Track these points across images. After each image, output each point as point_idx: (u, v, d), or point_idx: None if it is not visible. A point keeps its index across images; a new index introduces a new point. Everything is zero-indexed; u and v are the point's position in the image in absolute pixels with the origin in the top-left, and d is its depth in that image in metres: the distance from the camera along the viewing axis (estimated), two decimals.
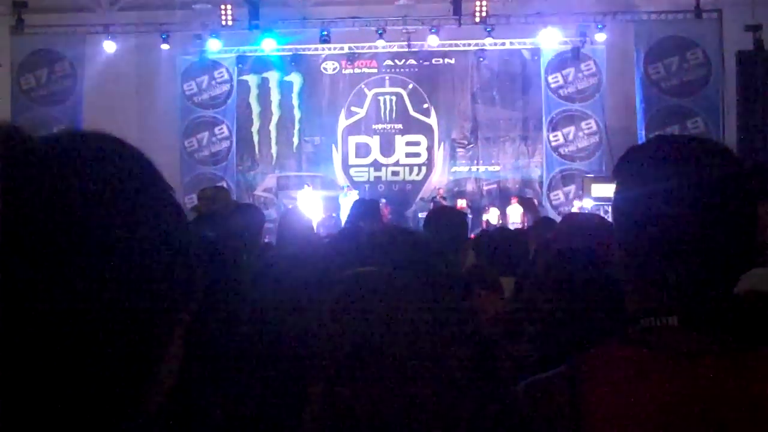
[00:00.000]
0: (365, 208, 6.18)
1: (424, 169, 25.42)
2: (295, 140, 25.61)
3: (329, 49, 24.12)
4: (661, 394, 1.60)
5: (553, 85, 23.68)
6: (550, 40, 22.38)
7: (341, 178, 25.19)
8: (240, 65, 24.81)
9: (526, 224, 20.15)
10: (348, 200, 20.99)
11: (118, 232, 0.88)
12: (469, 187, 25.05)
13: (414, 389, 1.12)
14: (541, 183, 24.31)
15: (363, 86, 25.47)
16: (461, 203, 23.06)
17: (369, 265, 1.20)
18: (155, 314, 0.92)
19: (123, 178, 0.93)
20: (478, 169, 25.19)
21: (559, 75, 23.59)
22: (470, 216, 21.08)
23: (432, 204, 22.48)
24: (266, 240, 6.44)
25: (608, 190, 19.65)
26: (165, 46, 22.84)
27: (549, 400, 1.68)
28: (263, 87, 25.37)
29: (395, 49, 24.14)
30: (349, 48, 24.34)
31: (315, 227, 8.39)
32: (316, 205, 21.50)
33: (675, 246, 1.62)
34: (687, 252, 1.62)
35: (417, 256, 1.25)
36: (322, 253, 1.33)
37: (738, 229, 1.65)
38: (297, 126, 25.53)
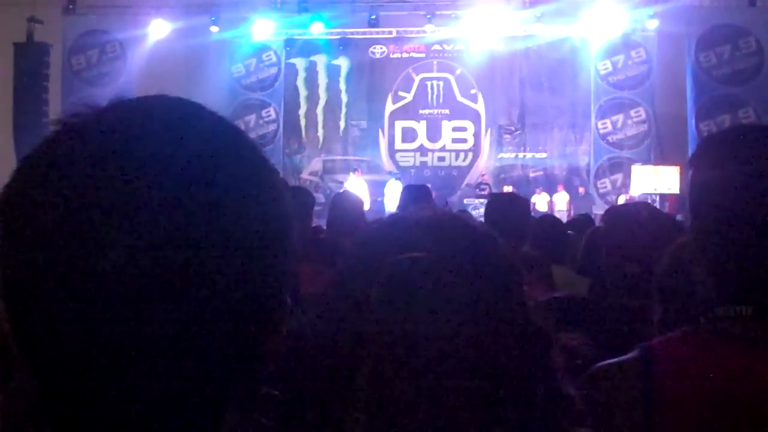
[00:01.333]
0: (416, 194, 6.14)
1: (470, 155, 25.34)
2: (342, 124, 25.66)
3: (377, 33, 24.08)
4: (734, 383, 1.59)
5: (602, 72, 23.44)
6: (601, 26, 22.11)
7: (387, 163, 25.20)
8: (288, 48, 24.85)
9: (572, 212, 20.03)
10: (394, 186, 21.00)
11: (229, 214, 0.84)
12: (516, 173, 24.93)
13: (459, 378, 1.12)
14: (588, 171, 24.09)
15: (410, 71, 25.42)
16: (507, 190, 22.97)
17: (416, 251, 1.19)
18: (270, 297, 0.89)
19: (221, 149, 0.88)
20: (524, 155, 25.05)
21: (608, 62, 23.34)
22: None
23: (478, 189, 22.48)
24: (315, 224, 6.41)
25: (655, 179, 19.48)
26: (214, 29, 22.94)
27: (621, 385, 1.67)
28: (311, 70, 25.42)
29: (444, 35, 24.02)
30: (398, 32, 24.29)
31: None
32: (362, 190, 21.47)
33: (751, 235, 1.61)
34: (760, 240, 1.61)
35: (465, 242, 1.24)
36: (367, 238, 1.32)
37: None
38: (344, 110, 25.56)
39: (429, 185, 20.24)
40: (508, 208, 4.76)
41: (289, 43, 24.65)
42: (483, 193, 22.37)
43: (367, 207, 17.94)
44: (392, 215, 1.40)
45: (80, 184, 0.80)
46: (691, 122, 20.72)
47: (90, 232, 0.79)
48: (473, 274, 1.18)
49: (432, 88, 25.44)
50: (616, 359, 1.74)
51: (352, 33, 24.22)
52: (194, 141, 0.86)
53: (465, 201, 22.94)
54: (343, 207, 5.55)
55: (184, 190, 0.82)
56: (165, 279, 0.80)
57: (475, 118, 25.29)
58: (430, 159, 25.46)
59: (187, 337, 0.81)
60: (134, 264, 0.79)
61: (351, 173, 23.20)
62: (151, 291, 0.79)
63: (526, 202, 5.15)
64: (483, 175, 24.07)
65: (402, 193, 6.45)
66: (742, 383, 1.59)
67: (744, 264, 1.63)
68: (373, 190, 22.20)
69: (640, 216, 3.74)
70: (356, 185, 21.56)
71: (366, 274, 1.20)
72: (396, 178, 22.29)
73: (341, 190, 11.03)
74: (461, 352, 1.13)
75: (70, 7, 22.90)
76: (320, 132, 25.74)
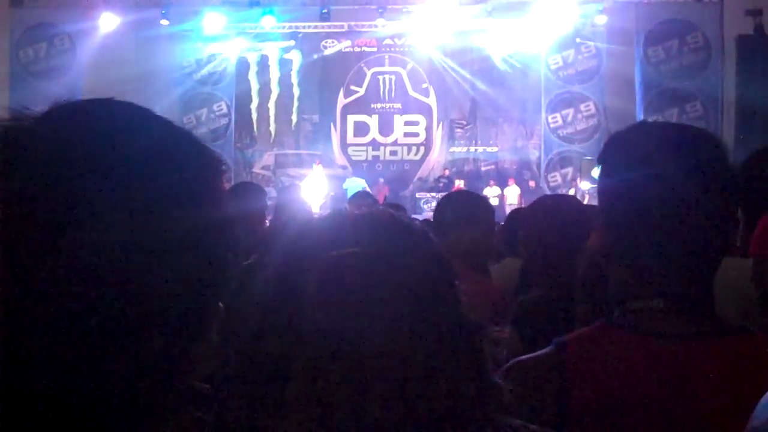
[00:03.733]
0: (359, 200, 6.12)
1: (422, 149, 25.42)
2: (294, 118, 25.59)
3: (329, 27, 24.01)
4: (646, 375, 1.64)
5: (552, 67, 23.59)
6: (550, 21, 22.22)
7: (339, 157, 25.18)
8: (239, 42, 24.67)
9: (523, 206, 20.16)
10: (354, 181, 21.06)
11: (161, 216, 0.85)
12: (467, 167, 25.03)
13: (392, 370, 1.14)
14: (539, 164, 24.26)
15: (362, 65, 25.43)
16: (459, 183, 23.10)
17: (349, 247, 1.21)
18: (198, 301, 0.90)
19: (157, 150, 0.89)
20: (476, 149, 25.17)
21: (558, 56, 23.49)
22: None
23: (440, 184, 22.66)
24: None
25: None
26: (164, 22, 22.73)
27: (536, 380, 1.71)
28: (262, 64, 25.29)
29: (395, 29, 24.01)
30: (349, 26, 24.24)
31: (320, 206, 8.22)
32: (323, 184, 21.34)
33: (658, 230, 1.66)
34: (670, 236, 1.66)
35: (398, 238, 1.26)
36: (300, 234, 1.34)
37: (719, 215, 1.69)
38: (296, 104, 25.49)
39: (382, 179, 20.11)
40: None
41: (241, 36, 24.48)
42: (440, 185, 22.53)
43: (324, 200, 17.69)
44: (329, 211, 1.41)
45: (21, 187, 0.81)
46: (640, 116, 20.93)
47: (27, 235, 0.80)
48: (405, 270, 1.20)
49: (384, 83, 25.47)
50: (532, 354, 1.78)
51: (303, 27, 24.12)
52: (137, 146, 0.87)
53: (417, 195, 22.99)
54: (287, 204, 5.53)
55: (123, 195, 0.83)
56: (107, 279, 0.81)
57: (426, 112, 25.37)
58: (383, 153, 25.49)
59: (119, 329, 0.83)
60: (77, 266, 0.80)
61: (314, 164, 22.99)
62: (91, 292, 0.80)
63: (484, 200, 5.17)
64: (445, 170, 24.21)
65: (350, 199, 6.48)
66: (652, 375, 1.63)
67: (654, 258, 1.68)
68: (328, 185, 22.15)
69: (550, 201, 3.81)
70: (317, 177, 21.47)
71: (299, 269, 1.22)
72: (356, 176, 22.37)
73: (288, 185, 10.96)
74: (394, 346, 1.15)
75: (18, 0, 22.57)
76: (272, 126, 25.64)
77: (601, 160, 1.80)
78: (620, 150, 1.78)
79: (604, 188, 1.80)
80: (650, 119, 20.15)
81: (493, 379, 1.26)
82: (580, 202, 4.42)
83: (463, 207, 4.21)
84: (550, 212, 3.39)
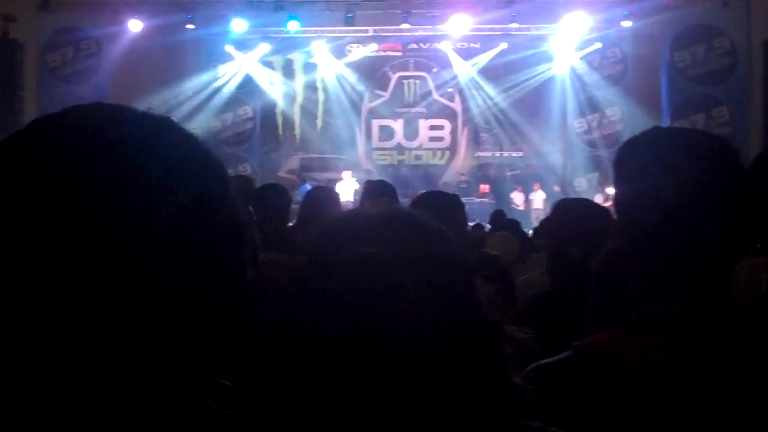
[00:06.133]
0: (377, 190, 6.06)
1: (447, 153, 25.38)
2: (319, 122, 25.59)
3: (354, 31, 24.01)
4: (662, 379, 1.64)
5: (578, 71, 23.48)
6: (576, 25, 22.10)
7: (365, 162, 25.16)
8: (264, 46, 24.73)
9: (548, 211, 20.08)
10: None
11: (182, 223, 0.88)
12: (493, 172, 24.95)
13: (413, 371, 1.14)
14: (564, 169, 24.16)
15: (387, 69, 25.42)
16: (484, 188, 23.07)
17: (368, 247, 1.21)
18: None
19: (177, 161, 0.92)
20: (501, 154, 25.09)
21: (584, 61, 23.36)
22: (494, 201, 21.03)
23: (458, 190, 22.60)
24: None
25: None
26: (190, 26, 22.80)
27: (555, 385, 1.71)
28: (288, 69, 25.32)
29: (420, 33, 23.99)
30: (374, 30, 24.24)
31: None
32: (351, 189, 21.30)
33: (675, 234, 1.67)
34: (686, 240, 1.67)
35: (416, 238, 1.26)
36: (321, 234, 1.34)
37: (734, 219, 1.70)
38: (321, 108, 25.50)
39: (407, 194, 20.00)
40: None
41: (266, 40, 24.51)
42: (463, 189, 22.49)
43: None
44: (347, 211, 1.42)
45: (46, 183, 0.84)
46: (666, 121, 20.81)
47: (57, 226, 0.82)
48: (424, 270, 1.20)
49: (409, 87, 25.46)
50: (551, 359, 1.79)
51: (328, 31, 24.13)
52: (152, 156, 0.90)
53: None
54: (318, 204, 5.49)
55: (144, 200, 0.86)
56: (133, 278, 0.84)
57: (451, 116, 25.33)
58: (407, 157, 25.47)
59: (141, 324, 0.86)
60: (103, 258, 0.83)
61: (343, 172, 22.93)
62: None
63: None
64: (462, 174, 24.15)
65: (363, 189, 6.42)
66: (670, 379, 1.64)
67: (670, 262, 1.68)
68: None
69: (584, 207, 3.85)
70: (348, 185, 21.44)
71: (321, 269, 1.22)
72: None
73: (316, 186, 10.91)
74: (411, 348, 1.15)
75: (45, 4, 22.71)
76: (297, 130, 25.65)
77: (617, 164, 1.81)
78: (636, 154, 1.78)
79: (620, 192, 1.81)
80: (676, 125, 20.10)
81: (513, 380, 1.26)
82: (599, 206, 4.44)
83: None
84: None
